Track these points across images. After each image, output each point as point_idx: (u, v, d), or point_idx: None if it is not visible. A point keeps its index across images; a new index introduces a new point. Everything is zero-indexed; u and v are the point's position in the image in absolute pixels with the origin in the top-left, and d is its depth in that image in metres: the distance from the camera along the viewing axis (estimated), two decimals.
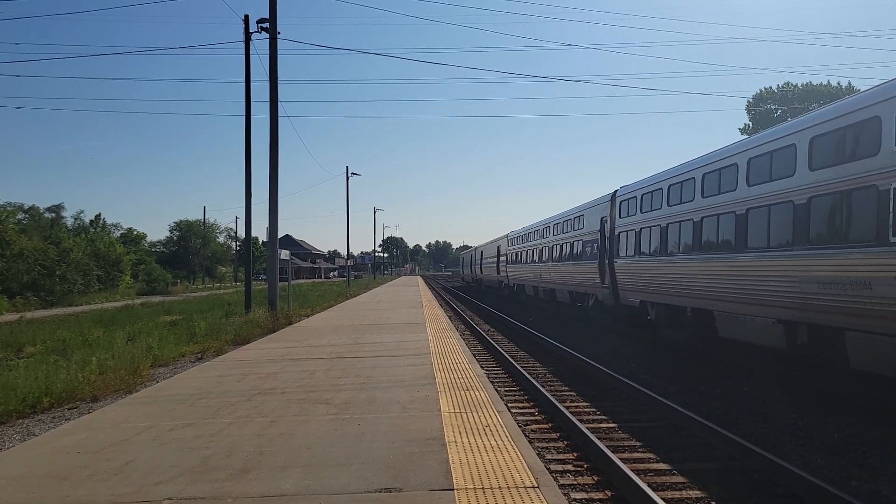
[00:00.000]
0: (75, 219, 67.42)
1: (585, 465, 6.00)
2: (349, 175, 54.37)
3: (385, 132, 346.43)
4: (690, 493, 5.31)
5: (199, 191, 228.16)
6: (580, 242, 20.64)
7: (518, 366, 11.14)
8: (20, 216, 54.63)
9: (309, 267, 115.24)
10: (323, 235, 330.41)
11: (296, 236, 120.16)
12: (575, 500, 5.18)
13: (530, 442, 6.45)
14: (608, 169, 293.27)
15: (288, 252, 22.25)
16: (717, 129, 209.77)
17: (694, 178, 12.40)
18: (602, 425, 7.48)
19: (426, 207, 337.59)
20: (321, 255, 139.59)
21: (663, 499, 4.92)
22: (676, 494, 5.27)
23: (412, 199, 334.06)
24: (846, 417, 7.55)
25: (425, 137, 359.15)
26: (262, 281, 57.52)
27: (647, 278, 14.47)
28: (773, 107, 64.52)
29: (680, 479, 5.62)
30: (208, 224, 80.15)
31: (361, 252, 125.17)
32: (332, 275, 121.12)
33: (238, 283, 69.45)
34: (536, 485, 4.18)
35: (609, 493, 5.29)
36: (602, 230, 18.11)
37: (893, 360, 7.22)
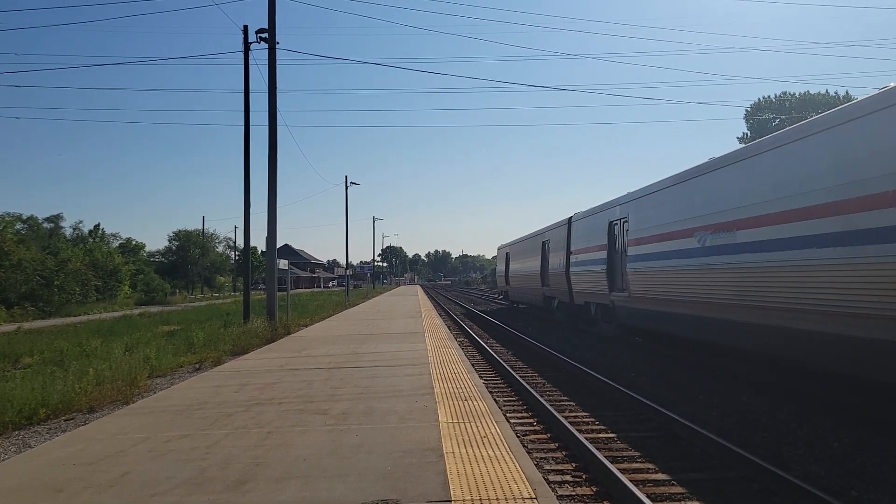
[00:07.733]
0: (74, 229, 67.41)
1: (584, 476, 5.98)
2: (348, 184, 54.53)
3: (385, 141, 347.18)
4: (689, 503, 5.29)
5: (198, 201, 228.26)
6: None
7: (517, 375, 11.11)
8: (19, 226, 54.71)
9: (308, 276, 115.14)
10: (322, 245, 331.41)
11: (295, 246, 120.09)
12: None
13: (528, 452, 6.42)
14: (610, 175, 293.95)
15: (287, 261, 22.23)
16: (718, 137, 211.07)
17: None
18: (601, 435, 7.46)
19: (425, 216, 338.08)
20: (320, 265, 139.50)
21: None
22: None
23: (411, 209, 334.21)
24: (845, 426, 7.52)
25: (425, 146, 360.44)
26: (260, 290, 57.48)
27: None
28: (771, 116, 64.93)
29: (679, 489, 5.60)
30: (207, 234, 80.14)
31: (361, 261, 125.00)
32: (331, 284, 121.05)
33: (237, 293, 69.34)
34: (534, 496, 4.17)
35: None
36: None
37: None
